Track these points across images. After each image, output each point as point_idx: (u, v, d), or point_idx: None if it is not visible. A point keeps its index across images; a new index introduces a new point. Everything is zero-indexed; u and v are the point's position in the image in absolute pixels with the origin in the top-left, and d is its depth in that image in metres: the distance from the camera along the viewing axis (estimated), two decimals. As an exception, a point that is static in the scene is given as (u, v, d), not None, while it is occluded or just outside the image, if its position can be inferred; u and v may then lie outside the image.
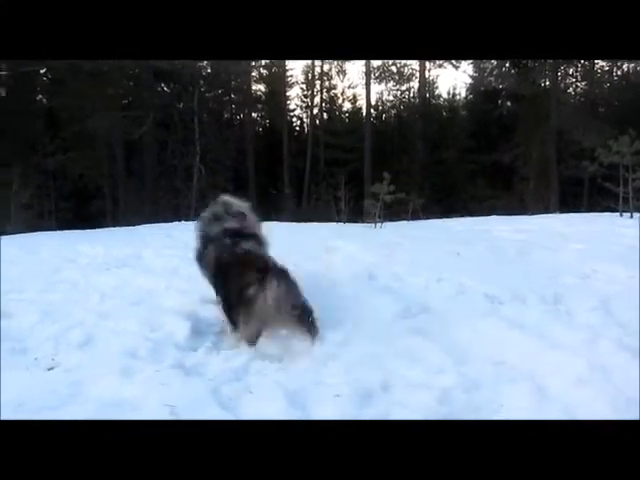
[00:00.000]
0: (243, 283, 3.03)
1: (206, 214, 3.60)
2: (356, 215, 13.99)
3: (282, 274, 3.04)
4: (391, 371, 2.78)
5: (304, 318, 3.02)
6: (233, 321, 3.16)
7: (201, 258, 3.47)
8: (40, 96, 24.86)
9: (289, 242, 6.83)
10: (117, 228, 10.30)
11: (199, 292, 3.80)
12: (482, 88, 28.33)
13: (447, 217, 13.38)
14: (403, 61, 30.37)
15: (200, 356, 3.00)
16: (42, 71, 24.36)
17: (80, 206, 21.71)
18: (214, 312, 3.53)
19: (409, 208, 14.07)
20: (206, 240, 3.45)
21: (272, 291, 2.95)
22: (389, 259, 5.36)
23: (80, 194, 21.97)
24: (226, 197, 3.68)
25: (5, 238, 9.11)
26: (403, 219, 13.16)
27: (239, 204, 3.60)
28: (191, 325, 3.36)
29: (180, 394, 2.51)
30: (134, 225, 10.34)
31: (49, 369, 2.89)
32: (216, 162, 23.48)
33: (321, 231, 8.61)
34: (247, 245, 3.31)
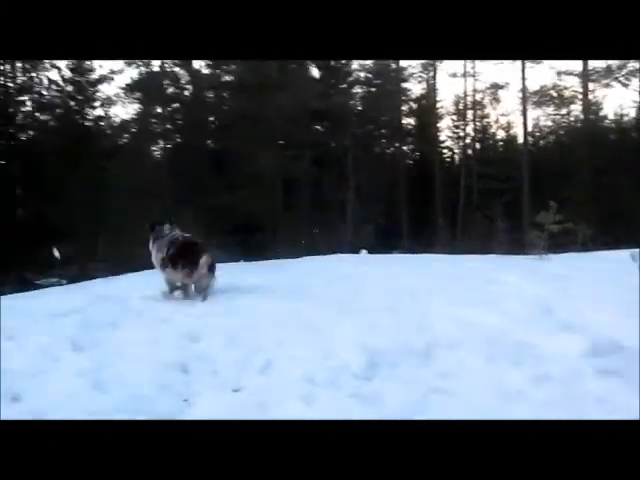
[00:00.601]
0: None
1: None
2: (514, 247, 13.30)
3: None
4: (582, 414, 2.55)
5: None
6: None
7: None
8: (209, 141, 27.47)
9: (450, 274, 6.67)
10: (281, 260, 10.74)
11: (369, 322, 3.85)
12: (656, 106, 25.76)
13: (620, 248, 12.13)
14: (563, 83, 28.80)
15: (376, 386, 3.02)
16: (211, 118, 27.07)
17: (244, 240, 23.27)
18: (384, 342, 3.55)
19: (576, 238, 13.05)
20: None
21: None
22: (565, 293, 4.98)
23: (245, 229, 23.57)
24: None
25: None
26: (569, 250, 12.21)
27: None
28: (365, 355, 3.40)
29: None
30: (293, 257, 10.73)
31: (234, 391, 3.09)
32: (369, 196, 23.92)
33: (482, 263, 8.27)
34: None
